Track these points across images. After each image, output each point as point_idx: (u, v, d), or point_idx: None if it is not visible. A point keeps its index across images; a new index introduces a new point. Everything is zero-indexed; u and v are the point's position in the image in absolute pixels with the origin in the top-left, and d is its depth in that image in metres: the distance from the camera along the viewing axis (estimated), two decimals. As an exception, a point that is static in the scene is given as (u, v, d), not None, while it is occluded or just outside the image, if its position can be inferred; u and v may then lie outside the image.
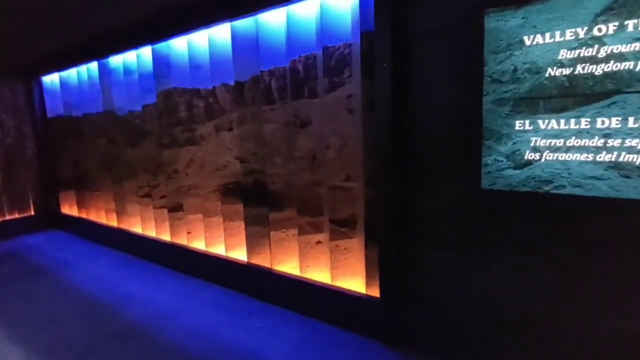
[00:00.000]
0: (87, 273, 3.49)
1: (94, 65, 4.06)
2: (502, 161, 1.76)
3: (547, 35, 1.60)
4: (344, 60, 2.27)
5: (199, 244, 3.36)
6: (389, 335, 2.17)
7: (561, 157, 1.63)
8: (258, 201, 2.82)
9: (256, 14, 2.53)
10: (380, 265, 2.14)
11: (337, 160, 2.37)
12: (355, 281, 2.42)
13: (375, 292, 2.24)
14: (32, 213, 5.13)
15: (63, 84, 4.69)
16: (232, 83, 2.85)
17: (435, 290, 2.04)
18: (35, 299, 2.98)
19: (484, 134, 1.79)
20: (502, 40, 1.71)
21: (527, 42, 1.65)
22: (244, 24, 2.67)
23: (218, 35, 2.89)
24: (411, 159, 2.02)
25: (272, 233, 2.75)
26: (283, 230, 2.74)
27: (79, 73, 4.38)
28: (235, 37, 2.72)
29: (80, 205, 4.87)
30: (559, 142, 1.62)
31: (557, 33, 1.58)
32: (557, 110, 1.62)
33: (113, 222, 4.29)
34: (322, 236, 2.57)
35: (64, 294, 3.06)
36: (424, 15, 1.90)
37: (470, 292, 1.93)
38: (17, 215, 5.00)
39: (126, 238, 4.01)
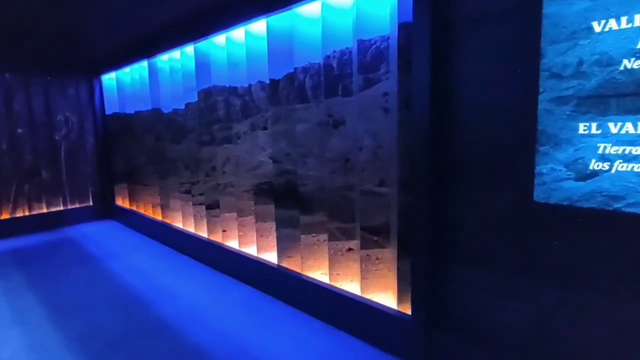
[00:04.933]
0: (129, 264, 3.64)
1: (145, 65, 4.23)
2: (560, 171, 1.49)
3: (624, 19, 1.32)
4: (380, 55, 2.09)
5: (233, 243, 3.35)
6: (418, 357, 1.96)
7: (638, 168, 1.33)
8: (289, 203, 2.73)
9: (292, 7, 2.43)
10: (413, 281, 1.94)
11: (371, 164, 2.20)
12: (386, 295, 2.24)
13: (407, 309, 2.05)
14: (91, 203, 5.50)
15: (119, 82, 4.96)
16: (267, 81, 2.78)
17: (474, 314, 1.80)
18: (78, 286, 3.15)
19: (538, 139, 1.53)
20: (564, 27, 1.44)
21: (597, 29, 1.37)
22: (279, 19, 2.58)
23: (254, 33, 2.84)
24: (452, 165, 1.80)
25: (302, 237, 2.64)
26: (314, 234, 2.62)
27: (132, 72, 4.60)
28: (270, 33, 2.65)
29: (132, 198, 5.13)
30: (636, 150, 1.33)
31: (638, 16, 1.29)
32: (635, 110, 1.32)
33: (158, 216, 4.46)
34: (353, 243, 2.41)
35: (105, 283, 3.19)
36: (469, 1, 1.67)
37: (515, 321, 1.67)
38: (77, 205, 5.39)
39: (169, 232, 4.14)
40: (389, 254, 2.22)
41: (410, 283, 1.99)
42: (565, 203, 1.50)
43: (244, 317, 2.57)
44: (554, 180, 1.52)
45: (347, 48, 2.25)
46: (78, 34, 3.69)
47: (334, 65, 2.31)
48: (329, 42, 2.30)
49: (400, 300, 2.11)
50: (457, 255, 1.83)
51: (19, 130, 4.83)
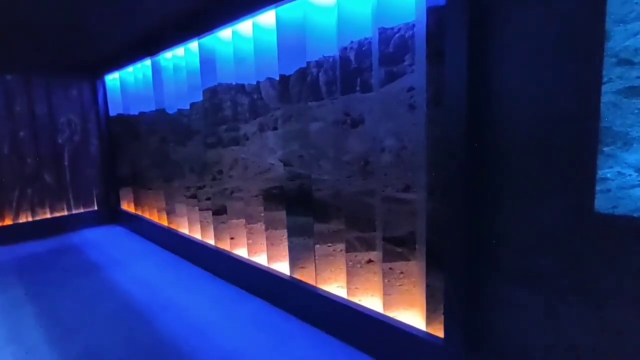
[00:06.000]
0: (133, 273, 3.45)
1: (148, 63, 4.05)
2: (630, 176, 1.25)
3: None
4: (405, 45, 1.86)
5: (241, 251, 3.14)
6: (454, 388, 1.73)
7: None
8: (302, 209, 2.51)
9: (303, -4, 2.21)
10: (446, 300, 1.71)
11: (394, 167, 1.97)
12: (412, 314, 2.01)
13: (438, 332, 1.81)
14: (95, 208, 5.35)
15: (123, 83, 4.79)
16: (276, 77, 2.57)
17: (517, 340, 1.56)
18: (80, 298, 2.97)
19: (602, 137, 1.29)
20: (636, 2, 1.20)
21: (681, 3, 1.13)
22: (290, 9, 2.36)
23: (263, 26, 2.62)
24: (492, 168, 1.56)
25: (317, 247, 2.42)
26: (329, 244, 2.40)
27: (135, 71, 4.42)
28: (280, 25, 2.43)
29: (137, 202, 4.96)
30: None
31: None
32: None
33: (164, 222, 4.27)
34: (374, 255, 2.19)
35: (107, 295, 3.01)
36: (516, -23, 1.43)
37: (566, 350, 1.43)
38: (81, 210, 5.24)
39: (174, 238, 3.95)
40: (416, 267, 1.99)
41: (442, 302, 1.76)
42: (636, 214, 1.26)
43: (255, 335, 2.36)
44: (621, 187, 1.27)
45: (366, 38, 2.03)
46: (80, 33, 3.51)
47: (352, 57, 2.08)
48: (345, 32, 2.07)
49: (429, 320, 1.87)
50: (499, 271, 1.59)
51: (21, 133, 4.69)
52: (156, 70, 3.89)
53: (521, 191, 1.49)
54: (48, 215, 4.96)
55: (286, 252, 2.69)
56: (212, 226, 3.43)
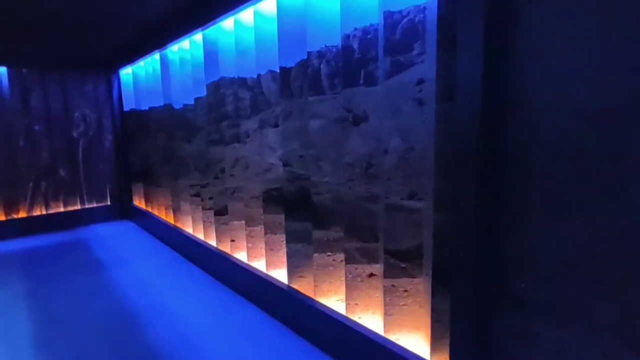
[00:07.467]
0: (134, 273, 3.36)
1: (157, 57, 3.95)
2: (691, 191, 0.97)
3: None
4: (414, 31, 1.61)
5: (241, 255, 2.98)
6: None
7: None
8: (301, 214, 2.31)
9: (305, -21, 2.00)
10: (453, 328, 1.47)
11: (399, 170, 1.74)
12: (416, 338, 1.77)
13: (444, 363, 1.58)
14: (108, 203, 5.34)
15: (135, 77, 4.74)
16: (277, 70, 2.37)
17: (542, 386, 1.30)
18: (76, 299, 2.89)
19: (654, 141, 1.02)
20: None
21: None
22: (291, -6, 2.17)
23: (264, 14, 2.43)
24: (511, 175, 1.31)
25: (315, 255, 2.21)
26: (329, 253, 2.19)
27: (146, 65, 4.35)
28: (281, 12, 2.23)
29: (147, 198, 4.91)
30: None
31: None
32: None
33: (170, 219, 4.18)
34: (376, 268, 1.96)
35: (103, 296, 2.91)
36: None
37: (608, 406, 1.16)
38: (94, 204, 5.24)
39: (179, 237, 3.85)
40: (421, 286, 1.75)
41: (449, 328, 1.51)
42: (698, 241, 0.98)
43: (249, 347, 2.18)
44: (679, 205, 1.00)
45: (371, 25, 1.80)
46: (95, 26, 3.45)
47: (355, 46, 1.86)
48: (349, 18, 1.85)
49: (435, 348, 1.63)
50: (517, 299, 1.33)
51: (36, 127, 4.72)
52: (164, 63, 3.79)
53: (548, 204, 1.23)
54: (61, 209, 4.99)
55: (285, 259, 2.50)
56: (213, 227, 3.29)
